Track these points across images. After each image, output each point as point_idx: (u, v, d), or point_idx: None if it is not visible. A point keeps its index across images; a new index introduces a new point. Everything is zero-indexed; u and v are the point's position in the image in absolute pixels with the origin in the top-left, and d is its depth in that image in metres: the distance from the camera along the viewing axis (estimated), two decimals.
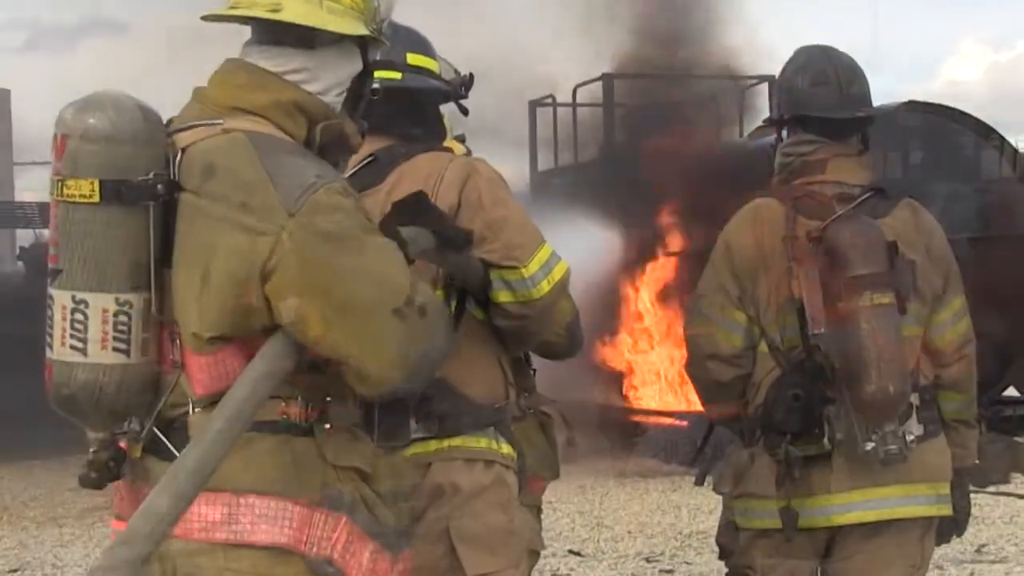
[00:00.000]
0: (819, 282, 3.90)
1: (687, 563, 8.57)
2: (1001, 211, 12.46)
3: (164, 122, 2.80)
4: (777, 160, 4.21)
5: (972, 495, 4.31)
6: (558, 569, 8.46)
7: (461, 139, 4.68)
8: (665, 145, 13.90)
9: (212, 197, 2.70)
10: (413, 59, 3.70)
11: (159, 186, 2.70)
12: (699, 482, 4.42)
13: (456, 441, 3.51)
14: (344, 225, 2.71)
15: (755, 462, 4.02)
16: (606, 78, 16.24)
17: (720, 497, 4.21)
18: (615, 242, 13.21)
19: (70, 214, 2.70)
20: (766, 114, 4.52)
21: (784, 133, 4.23)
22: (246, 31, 2.95)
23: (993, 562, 8.38)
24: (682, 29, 17.18)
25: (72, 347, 2.71)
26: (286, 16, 2.83)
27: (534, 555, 3.83)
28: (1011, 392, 13.15)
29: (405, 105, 3.67)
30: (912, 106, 12.42)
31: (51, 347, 2.75)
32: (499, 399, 3.59)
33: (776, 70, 4.39)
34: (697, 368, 4.15)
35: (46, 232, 17.20)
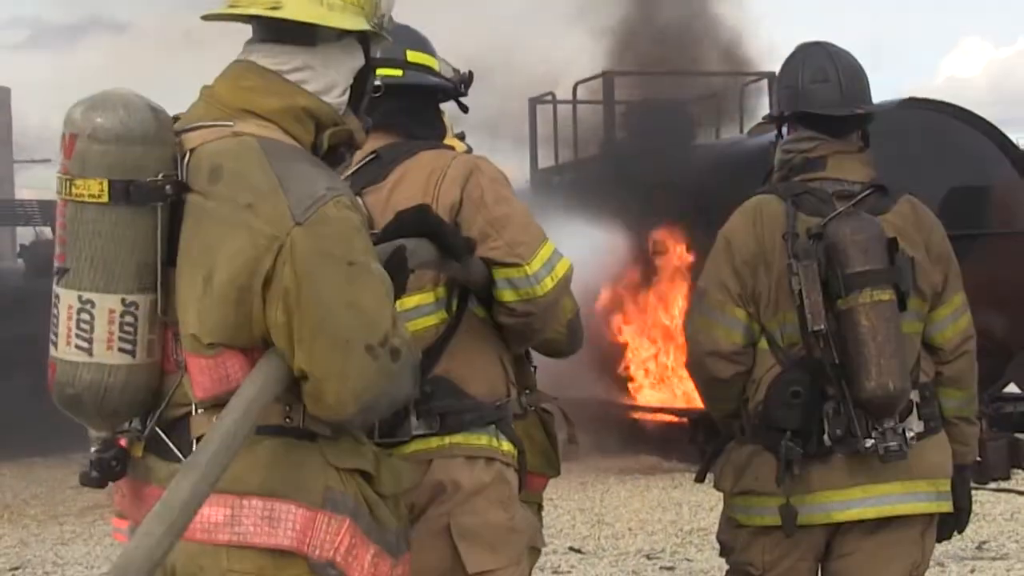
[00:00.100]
0: (819, 279, 3.90)
1: (688, 560, 8.57)
2: (1001, 208, 12.44)
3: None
4: (777, 157, 4.22)
5: (973, 492, 4.31)
6: (559, 566, 8.46)
7: (461, 137, 4.69)
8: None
9: (219, 199, 2.70)
10: (413, 56, 3.70)
11: (167, 187, 2.69)
12: (700, 479, 4.42)
13: (457, 438, 3.51)
14: (344, 248, 2.69)
15: (755, 459, 4.03)
16: (606, 75, 16.23)
17: (721, 494, 4.21)
18: (615, 239, 13.19)
19: (78, 214, 2.69)
20: (766, 111, 4.52)
21: (784, 130, 4.24)
22: (247, 30, 2.94)
23: (994, 559, 8.38)
24: (682, 26, 17.18)
25: (78, 347, 2.71)
26: (286, 13, 2.82)
27: (535, 552, 3.84)
28: (1012, 389, 13.14)
29: (407, 102, 3.67)
30: (911, 103, 12.40)
31: (55, 346, 2.74)
32: (500, 396, 3.60)
33: (776, 67, 4.39)
34: (697, 365, 4.15)
35: (46, 230, 17.23)
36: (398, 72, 3.65)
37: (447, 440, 3.51)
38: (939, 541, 4.23)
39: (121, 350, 2.71)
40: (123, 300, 2.70)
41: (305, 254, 2.66)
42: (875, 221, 3.97)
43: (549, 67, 17.66)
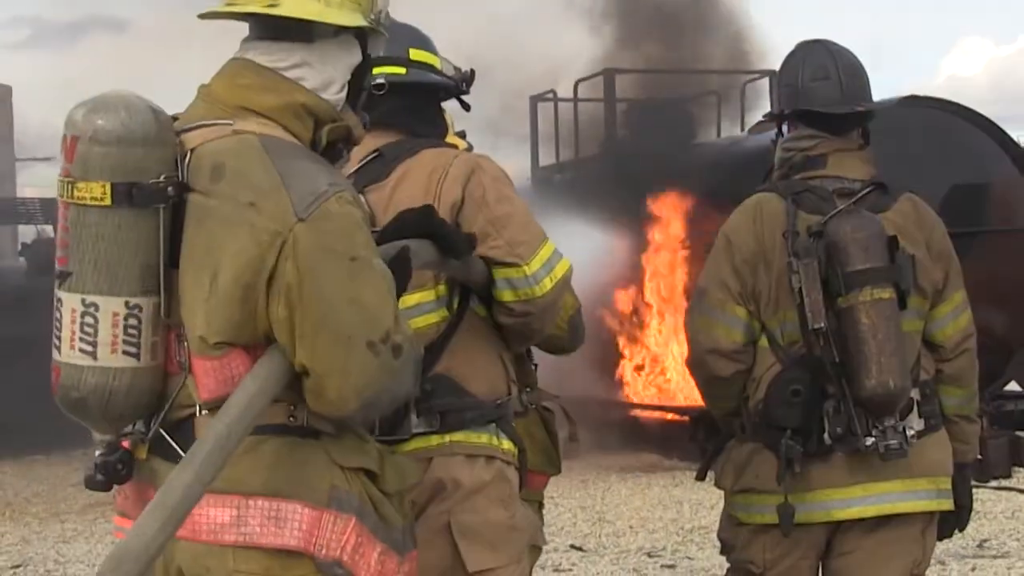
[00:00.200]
0: (819, 277, 3.91)
1: (689, 558, 8.57)
2: (1002, 206, 12.44)
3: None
4: (777, 155, 4.22)
5: (974, 490, 4.31)
6: (560, 564, 8.46)
7: (462, 135, 4.69)
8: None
9: (221, 197, 2.69)
10: (416, 55, 3.70)
11: (169, 188, 2.69)
12: (700, 477, 4.42)
13: (457, 436, 3.51)
14: (347, 244, 2.69)
15: (756, 457, 4.03)
16: (607, 73, 16.22)
17: (721, 492, 4.21)
18: (615, 237, 13.19)
19: (81, 217, 2.68)
20: (767, 108, 4.52)
21: (785, 128, 4.24)
22: (247, 28, 2.94)
23: (995, 557, 8.38)
24: (683, 24, 17.17)
25: (82, 351, 2.70)
26: (284, 11, 2.82)
27: (535, 550, 3.84)
28: (1013, 386, 13.13)
29: (409, 100, 3.67)
30: (912, 101, 12.39)
31: (58, 350, 2.73)
32: (501, 395, 3.60)
33: (777, 65, 4.39)
34: (698, 363, 4.15)
35: (48, 228, 17.23)
36: (401, 70, 3.65)
37: (447, 438, 3.51)
38: (940, 539, 4.23)
39: (125, 353, 2.70)
40: (127, 303, 2.69)
41: (307, 250, 2.65)
42: (875, 219, 3.97)
43: (550, 65, 17.66)
